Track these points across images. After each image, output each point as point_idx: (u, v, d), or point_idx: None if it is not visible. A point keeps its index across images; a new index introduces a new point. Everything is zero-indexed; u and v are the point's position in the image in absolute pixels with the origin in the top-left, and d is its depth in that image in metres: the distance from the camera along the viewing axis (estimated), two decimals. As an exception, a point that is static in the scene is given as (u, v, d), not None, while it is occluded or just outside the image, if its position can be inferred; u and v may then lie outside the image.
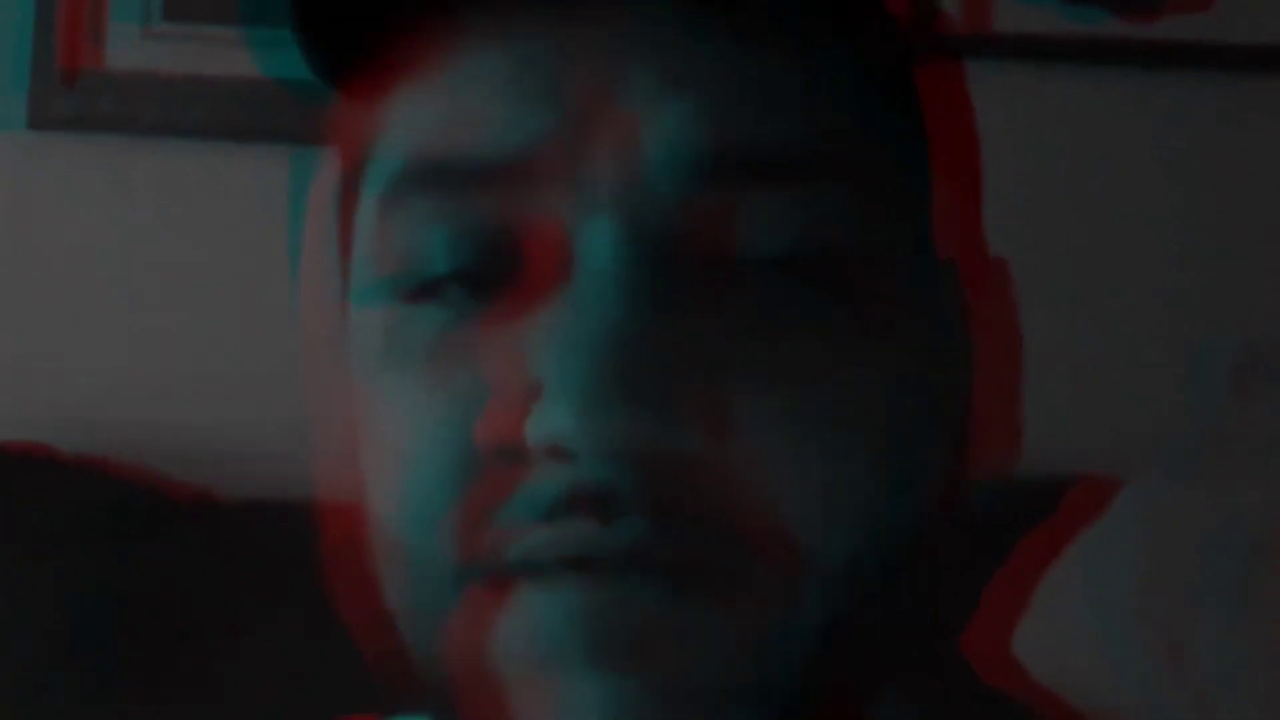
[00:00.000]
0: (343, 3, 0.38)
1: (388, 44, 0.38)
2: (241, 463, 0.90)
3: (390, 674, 0.38)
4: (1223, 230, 1.00)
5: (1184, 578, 0.82)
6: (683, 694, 0.35)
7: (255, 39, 0.99)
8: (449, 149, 0.37)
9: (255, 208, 0.92)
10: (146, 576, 0.86)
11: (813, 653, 0.36)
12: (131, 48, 1.02)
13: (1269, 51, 1.01)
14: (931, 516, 0.38)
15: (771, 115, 0.36)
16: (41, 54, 1.02)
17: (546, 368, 0.35)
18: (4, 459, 0.90)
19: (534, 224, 0.36)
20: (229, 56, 1.01)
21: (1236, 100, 1.01)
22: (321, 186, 0.41)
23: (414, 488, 0.37)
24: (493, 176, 0.36)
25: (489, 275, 0.37)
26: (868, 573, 0.36)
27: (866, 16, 0.38)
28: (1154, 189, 0.99)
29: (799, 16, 0.37)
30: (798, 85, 0.37)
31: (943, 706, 0.39)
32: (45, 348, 1.01)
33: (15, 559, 0.87)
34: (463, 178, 0.37)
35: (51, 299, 1.02)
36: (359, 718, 0.46)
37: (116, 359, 1.01)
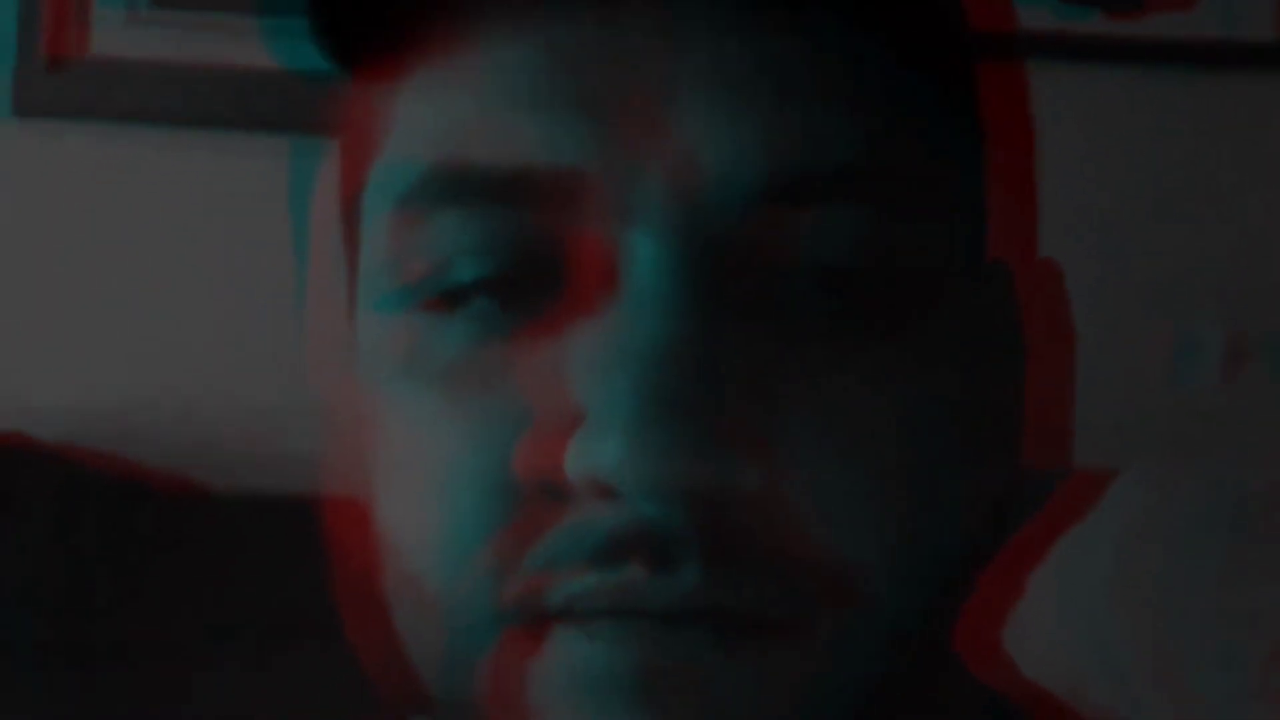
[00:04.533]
0: None
1: (404, 26, 0.36)
2: (232, 454, 0.90)
3: (390, 681, 0.37)
4: (1209, 221, 1.00)
5: (1171, 567, 0.82)
6: None
7: (257, 26, 0.98)
8: (480, 155, 0.34)
9: (242, 195, 0.92)
10: (127, 567, 0.86)
11: (863, 696, 0.34)
12: (117, 34, 1.01)
13: (1250, 48, 1.01)
14: (982, 538, 0.36)
15: (830, 131, 0.34)
16: (26, 40, 1.01)
17: (590, 392, 0.32)
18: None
19: (576, 237, 0.34)
20: (215, 43, 1.00)
21: (1222, 95, 1.01)
22: (327, 179, 0.39)
23: (444, 520, 0.34)
24: (531, 190, 0.34)
25: (523, 287, 0.34)
26: (921, 608, 0.34)
27: (929, 15, 0.37)
28: (1140, 181, 0.99)
29: (848, 17, 0.35)
30: (854, 95, 0.35)
31: (934, 700, 0.39)
32: (31, 336, 1.00)
33: None
34: (496, 187, 0.34)
35: (37, 286, 1.01)
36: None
37: (103, 347, 1.00)
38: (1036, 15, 0.97)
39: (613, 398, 0.32)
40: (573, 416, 0.33)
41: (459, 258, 0.34)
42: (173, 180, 1.02)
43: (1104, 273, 0.97)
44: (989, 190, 0.38)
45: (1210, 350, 0.93)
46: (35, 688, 0.84)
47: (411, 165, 0.35)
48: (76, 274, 1.01)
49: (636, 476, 0.32)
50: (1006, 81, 0.39)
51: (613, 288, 0.33)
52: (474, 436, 0.34)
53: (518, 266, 0.34)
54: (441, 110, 0.35)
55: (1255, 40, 1.01)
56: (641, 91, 0.34)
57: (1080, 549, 0.81)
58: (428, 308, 0.35)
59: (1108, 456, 0.84)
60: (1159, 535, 0.82)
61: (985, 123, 0.38)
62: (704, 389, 0.32)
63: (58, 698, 0.85)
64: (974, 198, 0.37)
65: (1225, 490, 0.83)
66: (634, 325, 0.33)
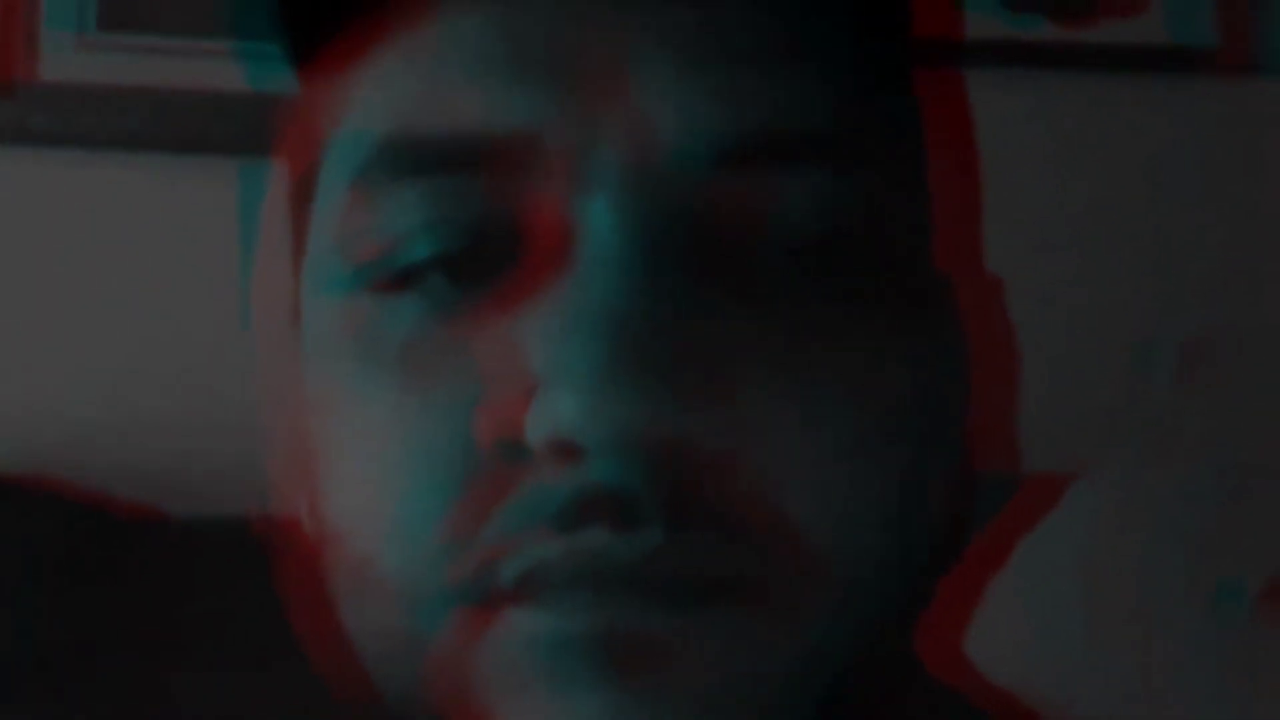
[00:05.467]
0: None
1: (363, 7, 0.35)
2: (190, 479, 0.89)
3: (349, 693, 0.36)
4: (1162, 225, 1.01)
5: (1133, 570, 0.82)
6: (698, 710, 0.32)
7: (206, 49, 0.98)
8: (434, 126, 0.34)
9: (194, 218, 0.91)
10: (95, 595, 0.85)
11: (825, 677, 0.34)
12: (66, 58, 1.01)
13: (1198, 53, 1.02)
14: (940, 527, 0.36)
15: (788, 96, 0.34)
16: (-27, 66, 1.01)
17: (548, 358, 0.32)
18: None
19: (531, 206, 0.33)
20: (165, 66, 1.00)
21: (1170, 100, 1.02)
22: (276, 190, 0.39)
23: (399, 498, 0.33)
24: (485, 157, 0.33)
25: (477, 262, 0.34)
26: (882, 588, 0.34)
27: (883, 11, 0.37)
28: (1091, 188, 1.00)
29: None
30: (812, 61, 0.34)
31: (899, 705, 0.39)
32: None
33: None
34: (450, 158, 0.33)
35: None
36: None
37: (56, 375, 0.99)
38: (986, 24, 0.98)
39: (571, 360, 0.31)
40: (530, 384, 0.32)
41: (412, 236, 0.34)
42: (124, 204, 1.02)
43: (1055, 279, 0.98)
44: (935, 201, 0.38)
45: (1164, 355, 0.93)
46: (3, 714, 0.83)
47: (366, 138, 0.35)
48: (27, 300, 1.01)
49: (597, 432, 0.31)
50: (950, 91, 0.40)
51: (569, 256, 0.33)
52: (430, 411, 0.33)
53: (472, 240, 0.34)
54: (396, 84, 0.35)
55: (1200, 45, 1.02)
56: (598, 56, 0.34)
57: (1042, 552, 0.81)
58: (380, 288, 0.34)
59: (1063, 461, 0.85)
60: (1121, 538, 0.83)
61: (924, 126, 0.38)
62: (662, 349, 0.32)
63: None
64: (921, 192, 0.37)
65: (1185, 491, 0.83)
66: (591, 291, 0.32)
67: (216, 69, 0.95)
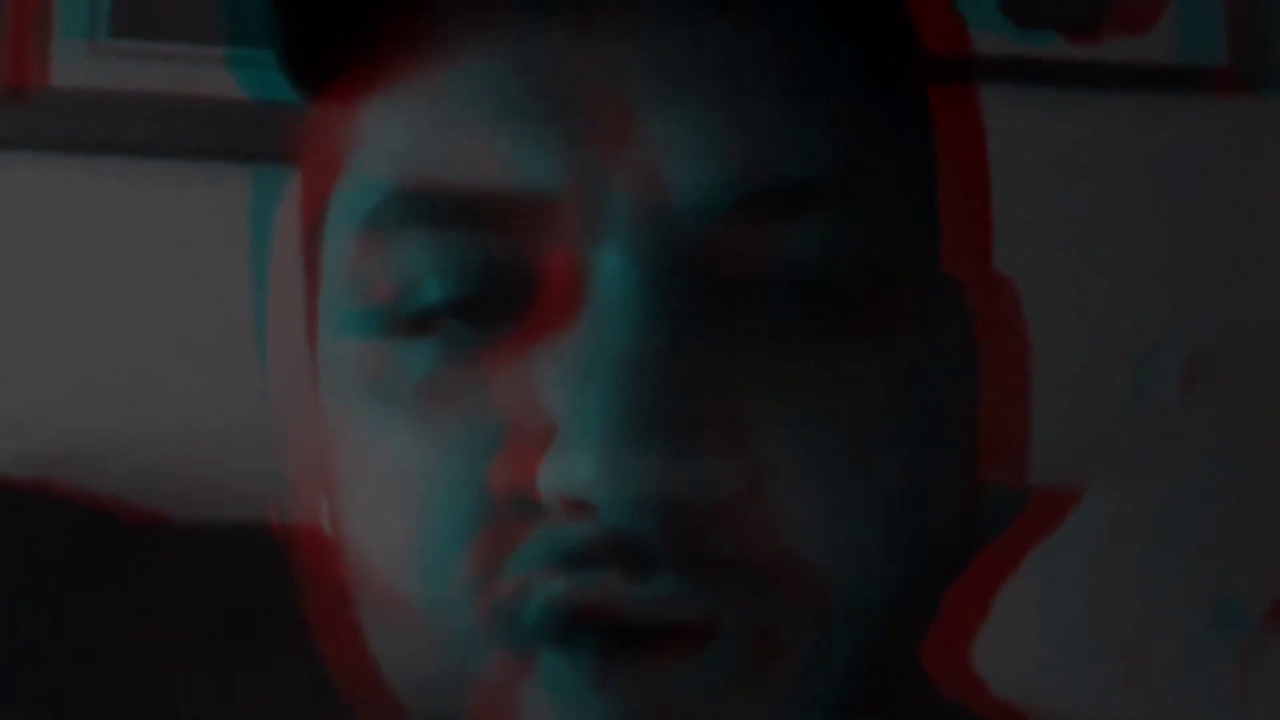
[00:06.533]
0: (320, 7, 0.35)
1: (371, 45, 0.35)
2: (196, 485, 0.89)
3: (366, 703, 0.36)
4: (1169, 241, 1.01)
5: (1138, 585, 0.82)
6: None
7: (219, 55, 0.98)
8: (447, 176, 0.34)
9: (206, 224, 0.92)
10: (100, 600, 0.85)
11: (836, 707, 0.34)
12: (78, 64, 1.01)
13: (1208, 71, 1.02)
14: (948, 542, 0.36)
15: (799, 144, 0.34)
16: (-14, 72, 1.01)
17: (563, 407, 0.32)
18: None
19: (543, 254, 0.34)
20: (177, 73, 1.00)
21: (1179, 117, 1.03)
22: (289, 205, 0.39)
23: (419, 534, 0.34)
24: (499, 212, 0.34)
25: (489, 306, 0.34)
26: (892, 619, 0.34)
27: (889, 31, 0.37)
28: (1098, 203, 1.00)
29: (817, 30, 0.35)
30: (823, 108, 0.35)
31: (902, 718, 0.39)
32: (-8, 369, 0.99)
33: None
34: (464, 211, 0.34)
35: (-1, 320, 1.00)
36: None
37: (64, 381, 1.00)
38: (995, 40, 0.98)
39: (584, 413, 0.32)
40: (546, 431, 0.33)
41: (426, 279, 0.34)
42: (136, 211, 1.02)
43: (1063, 293, 0.98)
44: (943, 207, 0.38)
45: (1168, 369, 0.93)
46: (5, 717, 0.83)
47: (377, 186, 0.35)
48: (38, 307, 1.01)
49: (610, 492, 0.31)
50: (960, 104, 0.40)
51: (582, 301, 0.33)
52: (446, 453, 0.34)
53: (484, 286, 0.34)
54: (407, 126, 0.35)
55: (1208, 64, 1.02)
56: (609, 104, 0.34)
57: (1050, 566, 0.81)
58: (395, 329, 0.35)
59: (1070, 474, 0.85)
60: (1125, 552, 0.83)
61: (935, 139, 0.38)
62: (675, 401, 0.32)
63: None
64: (929, 209, 0.38)
65: (1188, 506, 0.83)
66: (603, 339, 0.33)
67: (229, 76, 0.96)
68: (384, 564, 0.35)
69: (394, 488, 0.34)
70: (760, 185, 0.33)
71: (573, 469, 0.32)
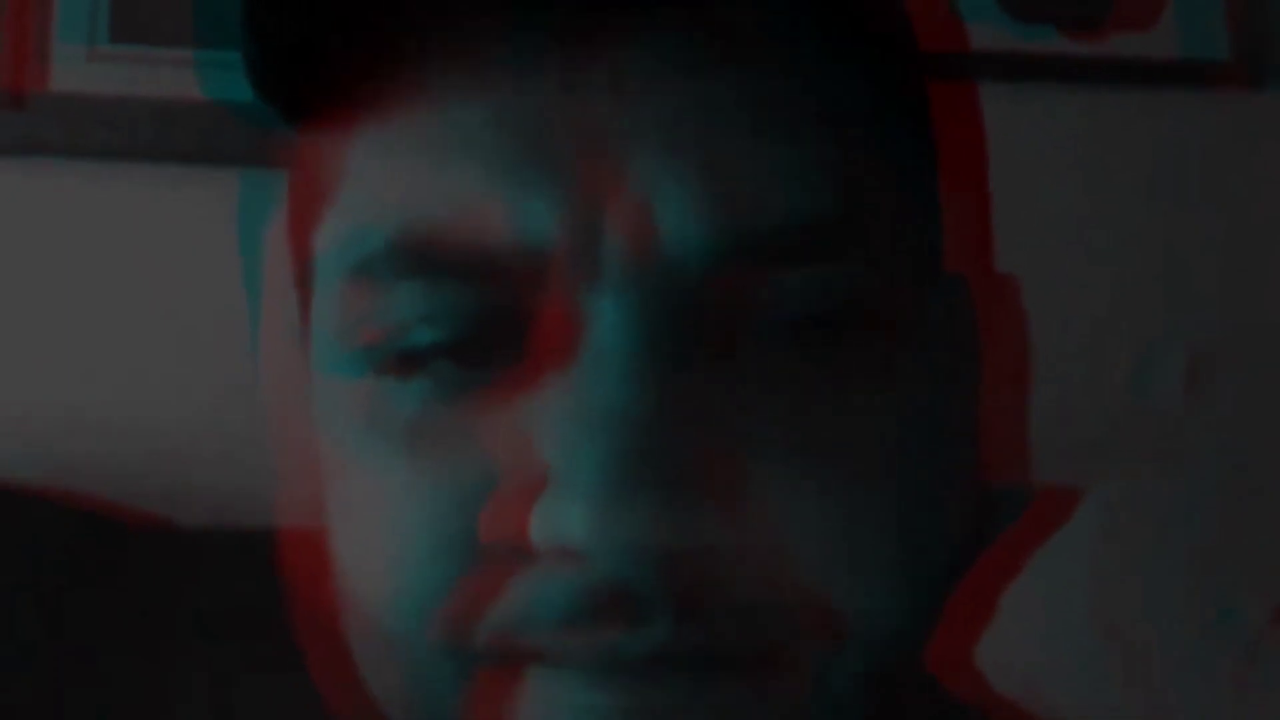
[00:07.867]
0: (298, 44, 0.35)
1: (350, 82, 0.35)
2: (197, 489, 0.89)
3: (351, 713, 0.36)
4: (1171, 237, 1.01)
5: (1142, 583, 0.82)
6: None
7: (206, 61, 0.98)
8: (445, 234, 0.33)
9: (204, 230, 0.91)
10: (101, 603, 0.85)
11: (854, 706, 0.34)
12: (77, 70, 1.01)
13: (1209, 66, 1.02)
14: (958, 548, 0.36)
15: (789, 188, 0.34)
16: (-15, 77, 1.01)
17: (554, 455, 0.32)
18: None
19: (538, 302, 0.33)
20: (176, 78, 1.00)
21: (1181, 112, 1.02)
22: (277, 227, 0.38)
23: (405, 570, 0.33)
24: (493, 268, 0.33)
25: (482, 351, 0.34)
26: (900, 638, 0.34)
27: (887, 48, 0.36)
28: (1100, 199, 1.00)
29: (809, 68, 0.35)
30: (814, 152, 0.34)
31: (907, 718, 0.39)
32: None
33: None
34: (457, 266, 0.33)
35: (-1, 325, 1.00)
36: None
37: (65, 384, 1.00)
38: (996, 35, 0.98)
39: (577, 462, 0.31)
40: (537, 479, 0.32)
41: (417, 324, 0.34)
42: (135, 215, 1.02)
43: (1064, 291, 0.98)
44: (944, 208, 0.38)
45: (1171, 366, 0.93)
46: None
47: (368, 234, 0.34)
48: (37, 310, 1.01)
49: (603, 543, 0.31)
50: (959, 101, 0.39)
51: (575, 350, 0.33)
52: (436, 495, 0.33)
53: (475, 331, 0.34)
54: (397, 172, 0.34)
55: (1210, 60, 1.02)
56: (598, 155, 0.33)
57: (1051, 566, 0.81)
58: (385, 370, 0.34)
59: (1070, 474, 0.85)
60: (1128, 552, 0.83)
61: (936, 135, 0.38)
62: (669, 452, 0.32)
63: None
64: (929, 214, 0.37)
65: (1193, 505, 0.83)
66: (597, 388, 0.32)
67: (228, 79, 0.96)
68: (368, 592, 0.34)
69: (380, 522, 0.34)
70: (752, 231, 0.33)
71: (565, 519, 0.31)
